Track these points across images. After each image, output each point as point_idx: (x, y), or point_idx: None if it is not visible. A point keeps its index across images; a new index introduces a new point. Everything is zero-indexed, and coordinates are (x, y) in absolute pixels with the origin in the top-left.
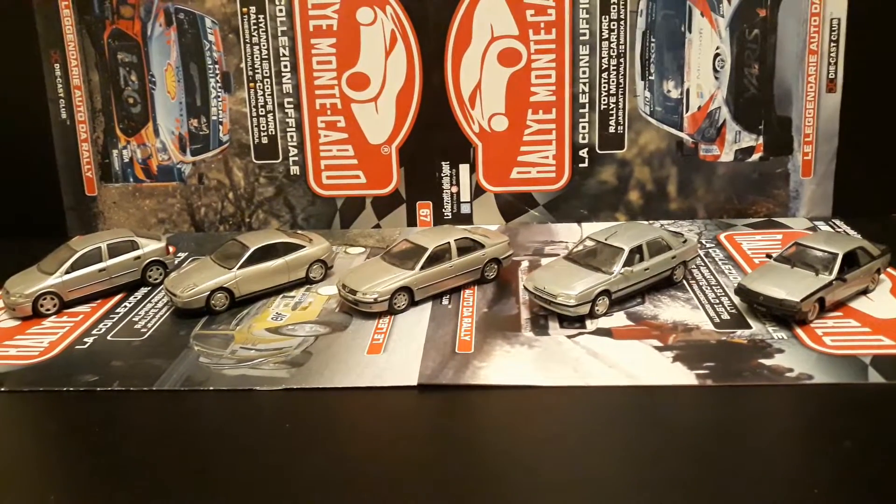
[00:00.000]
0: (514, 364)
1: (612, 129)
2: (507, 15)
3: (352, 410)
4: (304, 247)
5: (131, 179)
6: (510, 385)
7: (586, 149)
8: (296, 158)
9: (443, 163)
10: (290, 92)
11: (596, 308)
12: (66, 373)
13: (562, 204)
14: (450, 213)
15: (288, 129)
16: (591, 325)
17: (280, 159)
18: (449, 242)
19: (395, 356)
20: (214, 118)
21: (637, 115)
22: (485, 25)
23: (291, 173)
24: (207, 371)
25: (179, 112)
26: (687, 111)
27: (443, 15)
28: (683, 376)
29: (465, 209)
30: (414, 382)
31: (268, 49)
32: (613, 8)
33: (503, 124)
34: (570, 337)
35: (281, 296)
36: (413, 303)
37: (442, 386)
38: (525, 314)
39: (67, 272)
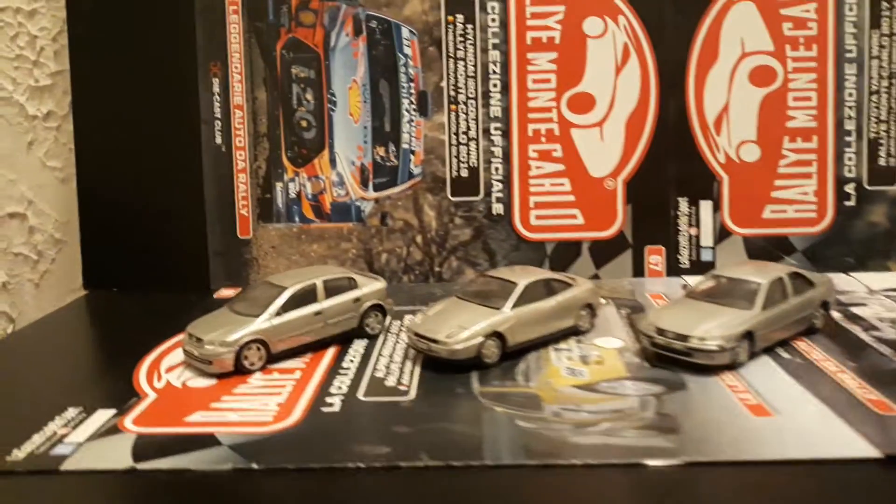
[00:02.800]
0: None
1: (882, 162)
2: (761, 28)
3: (804, 487)
4: (571, 286)
5: (297, 219)
6: None
7: (853, 184)
8: (500, 195)
9: (680, 199)
10: (499, 115)
11: None
12: (333, 443)
13: (824, 250)
14: (687, 261)
15: (493, 160)
16: None
17: (481, 196)
18: (781, 278)
19: (799, 419)
20: (405, 146)
21: None
22: (734, 39)
23: (494, 212)
24: (545, 439)
25: (363, 138)
26: None
27: (685, 26)
28: None
29: (705, 256)
30: (870, 453)
31: (475, 65)
32: (885, 21)
33: (754, 154)
34: None
35: (551, 349)
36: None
37: None
38: None
39: (278, 314)
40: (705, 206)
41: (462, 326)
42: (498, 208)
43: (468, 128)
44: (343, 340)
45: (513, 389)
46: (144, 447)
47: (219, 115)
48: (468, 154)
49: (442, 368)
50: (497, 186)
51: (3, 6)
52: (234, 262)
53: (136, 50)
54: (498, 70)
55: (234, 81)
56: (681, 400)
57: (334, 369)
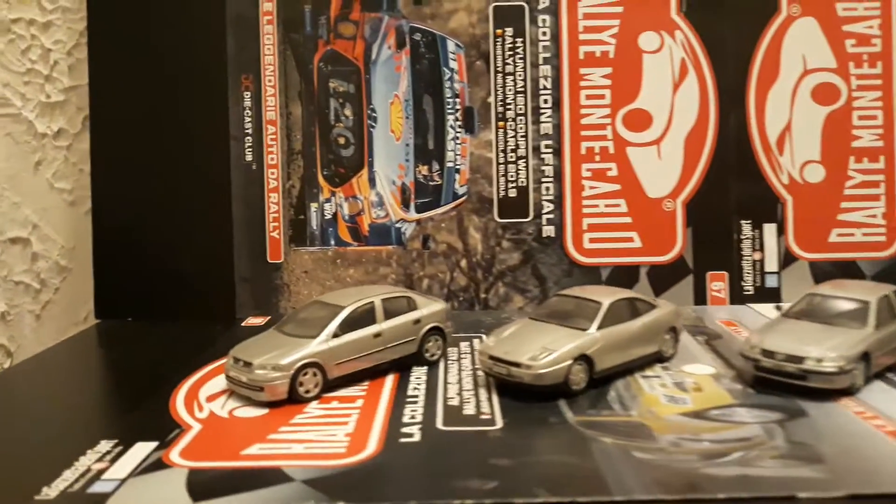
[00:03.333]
0: None
1: None
2: (823, 44)
3: None
4: (655, 307)
5: (332, 242)
6: None
7: None
8: (551, 216)
9: (742, 222)
10: (550, 133)
11: None
12: (425, 476)
13: (895, 275)
14: (751, 287)
15: (543, 180)
16: None
17: (530, 217)
18: (888, 296)
19: None
20: (450, 165)
21: None
22: (795, 56)
23: (544, 235)
24: (674, 471)
25: (405, 157)
26: None
27: (744, 43)
28: None
29: (770, 282)
30: None
31: (525, 80)
32: None
33: (818, 174)
34: None
35: (638, 376)
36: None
37: None
38: None
39: (335, 336)
40: (769, 230)
41: (547, 348)
42: (549, 231)
43: (517, 145)
44: (399, 368)
45: (613, 418)
46: (201, 484)
47: (250, 131)
48: (517, 173)
49: (522, 396)
50: (548, 207)
51: (15, 17)
52: (262, 289)
53: (161, 61)
54: (549, 85)
55: (267, 95)
56: (808, 427)
57: (399, 398)
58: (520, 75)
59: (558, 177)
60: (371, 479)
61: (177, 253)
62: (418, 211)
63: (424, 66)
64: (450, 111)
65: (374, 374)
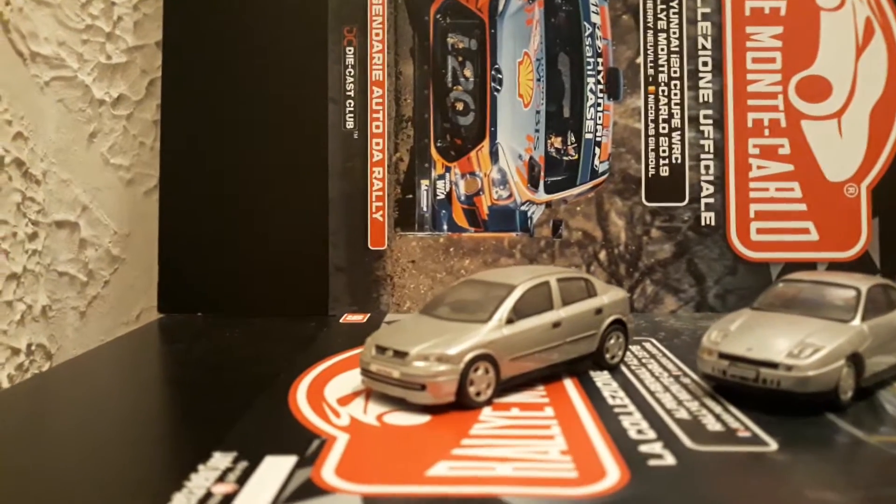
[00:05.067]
0: None
1: None
2: None
3: None
4: None
5: (445, 227)
6: None
7: None
8: (710, 201)
9: None
10: (710, 101)
11: None
12: None
13: None
14: None
15: (702, 157)
16: None
17: (686, 201)
18: None
19: None
20: (589, 136)
21: None
22: None
23: (702, 223)
24: None
25: (535, 126)
26: None
27: None
28: None
29: None
30: None
31: (680, 38)
32: None
33: None
34: None
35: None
36: None
37: None
38: None
39: (509, 322)
40: None
41: (809, 344)
42: (708, 217)
43: (670, 115)
44: (569, 372)
45: None
46: None
47: (352, 94)
48: (670, 148)
49: (765, 407)
50: (707, 190)
51: None
52: (360, 281)
53: (248, 12)
54: (709, 45)
55: (374, 52)
56: None
57: (601, 407)
58: (674, 33)
59: (720, 153)
60: None
61: (258, 238)
62: (549, 191)
63: (561, 19)
64: (590, 73)
65: (546, 378)
